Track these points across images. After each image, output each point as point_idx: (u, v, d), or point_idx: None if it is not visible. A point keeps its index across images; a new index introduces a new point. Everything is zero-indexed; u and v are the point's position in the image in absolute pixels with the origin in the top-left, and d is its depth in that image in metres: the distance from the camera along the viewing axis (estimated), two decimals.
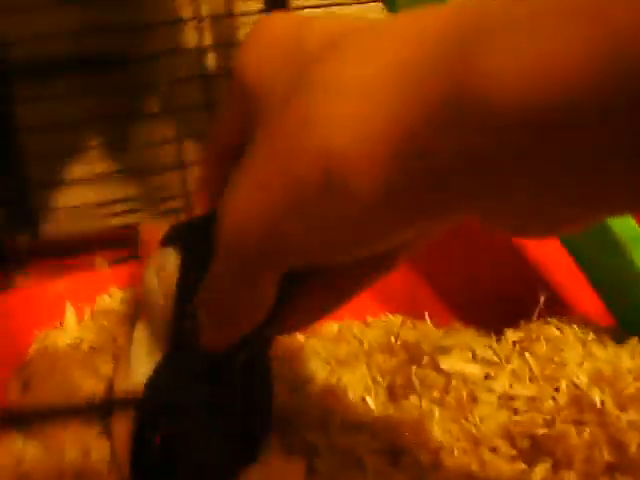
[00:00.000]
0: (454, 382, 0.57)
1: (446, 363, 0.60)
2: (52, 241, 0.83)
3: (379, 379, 0.60)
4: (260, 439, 0.49)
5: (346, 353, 0.65)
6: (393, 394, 0.59)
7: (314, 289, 0.40)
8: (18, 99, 0.84)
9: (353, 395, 0.58)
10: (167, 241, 0.46)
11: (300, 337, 0.68)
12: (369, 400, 0.58)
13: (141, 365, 0.47)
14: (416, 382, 0.58)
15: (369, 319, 0.73)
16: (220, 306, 0.38)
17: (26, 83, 0.84)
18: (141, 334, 0.48)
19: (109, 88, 0.89)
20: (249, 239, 0.32)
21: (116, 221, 0.83)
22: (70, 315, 0.68)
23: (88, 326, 0.68)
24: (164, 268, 0.45)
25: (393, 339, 0.67)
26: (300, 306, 0.41)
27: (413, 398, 0.57)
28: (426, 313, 0.71)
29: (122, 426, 0.47)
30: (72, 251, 0.80)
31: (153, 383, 0.45)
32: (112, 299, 0.73)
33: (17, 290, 0.76)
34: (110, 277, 0.75)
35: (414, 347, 0.64)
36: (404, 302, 0.73)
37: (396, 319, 0.72)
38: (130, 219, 0.88)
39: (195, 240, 0.42)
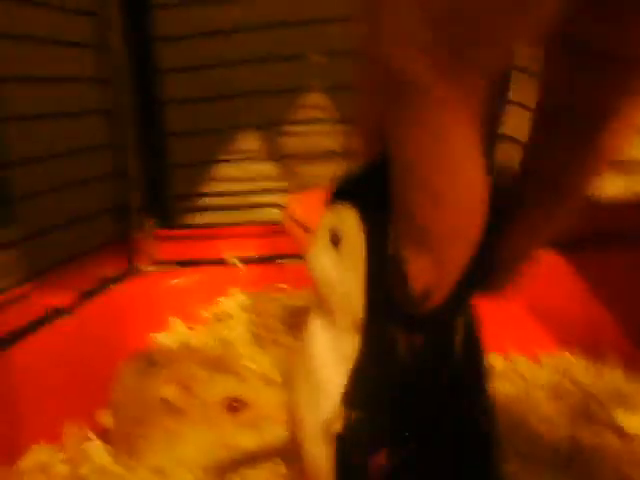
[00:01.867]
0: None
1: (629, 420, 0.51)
2: (184, 231, 0.81)
3: (541, 431, 0.52)
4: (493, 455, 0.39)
5: (507, 395, 0.57)
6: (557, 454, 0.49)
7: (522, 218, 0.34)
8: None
9: None
10: (335, 198, 0.36)
11: None
12: None
13: (333, 373, 0.37)
14: (583, 440, 0.48)
15: (540, 355, 0.63)
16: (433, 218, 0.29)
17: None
18: (321, 336, 0.39)
19: None
20: None
21: (255, 215, 0.80)
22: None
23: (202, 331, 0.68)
24: (342, 229, 0.35)
25: (566, 382, 0.58)
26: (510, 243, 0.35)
27: (577, 463, 0.46)
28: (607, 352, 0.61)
29: (322, 451, 0.38)
30: (203, 244, 0.78)
31: (356, 392, 0.37)
32: (234, 301, 0.72)
33: (141, 278, 0.75)
34: (238, 276, 0.74)
35: (588, 395, 0.54)
36: (582, 336, 0.63)
37: (572, 359, 0.62)
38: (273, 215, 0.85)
39: (369, 188, 0.33)
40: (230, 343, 0.65)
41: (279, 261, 0.73)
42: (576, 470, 0.45)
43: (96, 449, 0.49)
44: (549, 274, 0.65)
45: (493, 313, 0.66)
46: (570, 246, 0.65)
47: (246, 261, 0.74)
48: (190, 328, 0.70)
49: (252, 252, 0.74)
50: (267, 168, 0.93)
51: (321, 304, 0.38)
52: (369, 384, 0.36)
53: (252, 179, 0.92)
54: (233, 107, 0.91)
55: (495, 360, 0.63)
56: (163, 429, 0.46)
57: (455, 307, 0.35)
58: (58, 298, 0.59)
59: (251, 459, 0.47)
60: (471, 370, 0.38)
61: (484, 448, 0.38)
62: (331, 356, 0.38)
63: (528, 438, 0.49)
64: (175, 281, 0.74)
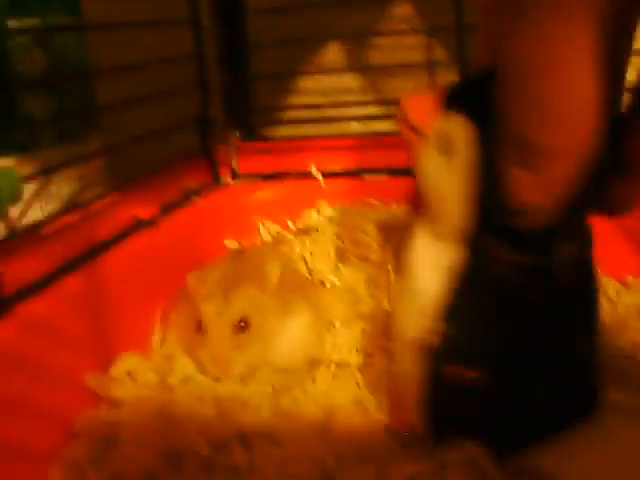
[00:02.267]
0: None
1: None
2: (268, 144, 0.80)
3: (632, 354, 0.49)
4: (596, 385, 0.39)
5: None
6: None
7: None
8: None
9: None
10: (449, 104, 0.35)
11: None
12: None
13: (431, 284, 0.37)
14: None
15: (630, 279, 0.61)
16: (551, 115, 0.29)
17: None
18: (423, 241, 0.38)
19: None
20: None
21: (338, 129, 0.77)
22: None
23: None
24: (453, 137, 0.34)
25: None
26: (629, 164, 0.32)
27: None
28: None
29: (414, 361, 0.39)
30: (287, 157, 0.76)
31: (452, 305, 0.36)
32: (320, 215, 0.71)
33: (224, 190, 0.75)
34: (322, 190, 0.72)
35: None
36: None
37: None
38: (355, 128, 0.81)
39: (481, 99, 0.32)
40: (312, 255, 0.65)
41: (364, 175, 0.71)
42: None
43: (180, 359, 0.50)
44: None
45: None
46: None
47: (330, 175, 0.72)
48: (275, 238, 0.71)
49: (336, 166, 0.73)
50: (351, 81, 0.91)
51: (427, 212, 0.38)
52: (466, 298, 0.36)
53: (336, 91, 0.90)
54: (318, 18, 0.88)
55: None
56: None
57: (562, 230, 0.34)
58: (142, 210, 0.59)
59: None
60: (575, 295, 0.37)
61: (581, 372, 0.38)
62: (430, 265, 0.38)
63: (617, 362, 0.47)
64: (259, 194, 0.74)
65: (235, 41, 0.77)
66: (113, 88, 0.82)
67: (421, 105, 0.38)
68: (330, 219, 0.69)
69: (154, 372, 0.49)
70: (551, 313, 0.36)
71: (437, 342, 0.37)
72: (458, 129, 0.34)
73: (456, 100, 0.35)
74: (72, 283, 0.49)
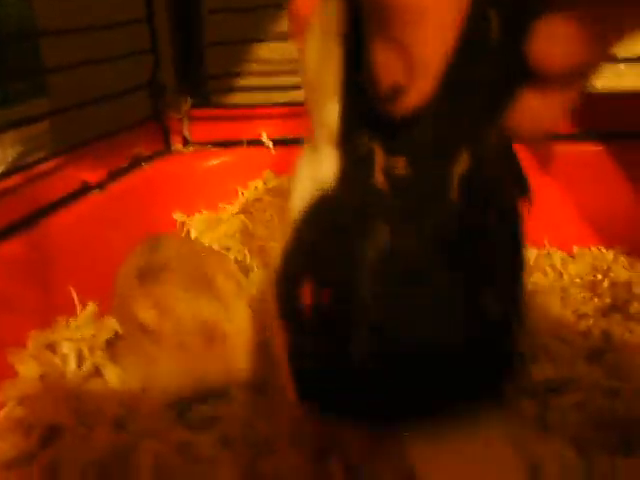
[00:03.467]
0: None
1: None
2: (220, 110, 0.78)
3: (571, 319, 0.51)
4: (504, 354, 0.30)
5: (539, 284, 0.56)
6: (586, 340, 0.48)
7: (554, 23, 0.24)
8: None
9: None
10: None
11: None
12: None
13: (301, 199, 0.29)
14: (615, 335, 0.47)
15: (575, 250, 0.62)
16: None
17: None
18: (304, 157, 0.31)
19: None
20: None
21: (291, 97, 0.74)
22: None
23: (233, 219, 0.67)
24: (324, 14, 0.27)
25: (600, 276, 0.57)
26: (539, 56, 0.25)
27: (609, 356, 0.45)
28: None
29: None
30: (238, 124, 0.75)
31: (311, 215, 0.29)
32: (266, 186, 0.71)
33: (174, 156, 0.74)
34: (272, 158, 0.72)
35: (623, 290, 0.53)
36: (623, 234, 0.61)
37: (608, 254, 0.60)
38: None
39: None
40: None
41: None
42: (607, 362, 0.44)
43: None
44: (591, 169, 0.62)
45: (531, 207, 0.64)
46: (617, 138, 0.63)
47: (281, 142, 0.72)
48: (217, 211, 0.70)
49: (288, 133, 0.72)
50: None
51: (309, 110, 0.31)
52: (330, 211, 0.29)
53: (290, 60, 0.89)
54: None
55: (530, 252, 0.61)
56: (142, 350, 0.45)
57: (447, 128, 0.27)
58: (90, 173, 0.58)
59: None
60: (480, 228, 0.28)
61: (481, 328, 0.29)
62: (306, 180, 0.30)
63: (559, 329, 0.48)
64: (209, 161, 0.73)
65: (188, 6, 0.76)
66: (61, 50, 0.80)
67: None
68: (273, 189, 0.69)
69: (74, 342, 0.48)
70: (441, 245, 0.28)
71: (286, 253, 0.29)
72: (331, 3, 0.27)
73: None
74: (14, 246, 0.48)
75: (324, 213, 0.28)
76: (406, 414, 0.30)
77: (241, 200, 0.70)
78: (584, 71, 0.26)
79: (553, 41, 0.24)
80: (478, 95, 0.26)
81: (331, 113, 0.28)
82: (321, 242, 0.29)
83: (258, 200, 0.67)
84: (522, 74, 0.26)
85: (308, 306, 0.28)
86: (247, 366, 0.44)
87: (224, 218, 0.68)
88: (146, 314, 0.44)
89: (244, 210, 0.67)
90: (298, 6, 0.31)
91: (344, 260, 0.28)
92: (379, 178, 0.27)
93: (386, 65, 0.24)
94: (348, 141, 0.28)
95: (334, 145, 0.28)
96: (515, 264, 0.30)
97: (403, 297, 0.28)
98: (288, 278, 0.29)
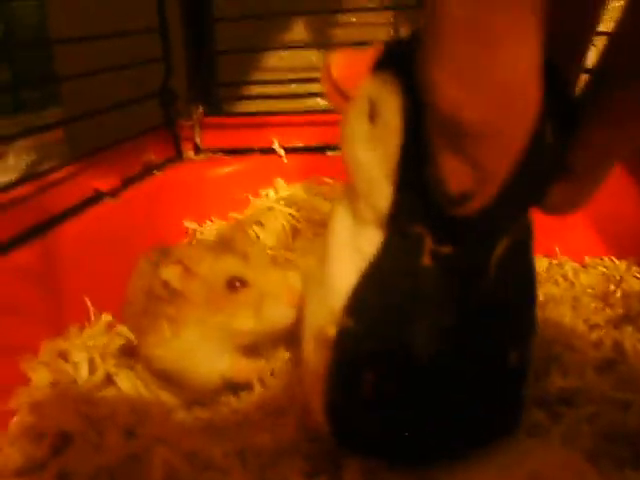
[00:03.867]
0: None
1: None
2: (231, 118, 0.79)
3: (582, 330, 0.50)
4: (521, 402, 0.35)
5: (550, 294, 0.56)
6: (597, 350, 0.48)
7: (593, 127, 0.29)
8: None
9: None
10: (381, 64, 0.30)
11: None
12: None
13: (345, 270, 0.32)
14: (628, 347, 0.47)
15: (587, 260, 0.62)
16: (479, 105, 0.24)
17: None
18: (343, 222, 0.34)
19: None
20: None
21: (302, 104, 0.76)
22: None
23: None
24: (380, 101, 0.29)
25: (612, 287, 0.56)
26: (579, 152, 0.29)
27: (620, 368, 0.45)
28: None
29: (318, 356, 0.34)
30: (250, 132, 0.76)
31: (363, 297, 0.32)
32: (277, 194, 0.71)
33: (186, 164, 0.74)
34: (284, 166, 0.72)
35: (636, 301, 0.53)
36: (635, 245, 0.60)
37: (621, 264, 0.60)
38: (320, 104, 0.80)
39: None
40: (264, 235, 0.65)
41: (329, 153, 0.71)
42: (617, 373, 0.44)
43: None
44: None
45: (542, 216, 0.64)
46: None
47: (293, 150, 0.72)
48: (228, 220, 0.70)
49: (299, 142, 0.72)
50: (316, 57, 0.91)
51: (349, 189, 0.34)
52: (380, 291, 0.31)
53: (301, 68, 0.89)
54: None
55: (541, 262, 0.61)
56: (166, 318, 0.45)
57: (497, 221, 0.30)
58: (102, 181, 0.59)
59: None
60: (509, 296, 0.33)
61: (506, 387, 0.34)
62: (347, 248, 0.33)
63: (570, 339, 0.48)
64: (221, 169, 0.73)
65: (200, 14, 0.76)
66: (75, 58, 0.81)
67: (350, 64, 0.32)
68: (285, 198, 0.69)
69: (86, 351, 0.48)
70: (477, 316, 0.32)
71: (341, 339, 0.32)
72: (387, 93, 0.29)
73: (390, 61, 0.30)
74: (27, 253, 0.48)
75: (380, 291, 0.31)
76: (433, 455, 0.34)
77: (251, 208, 0.70)
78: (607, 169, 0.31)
79: (589, 147, 0.29)
80: (525, 190, 0.29)
81: (383, 198, 0.30)
82: (379, 323, 0.32)
83: (270, 209, 0.68)
84: (560, 170, 0.29)
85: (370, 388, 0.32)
86: (273, 310, 0.44)
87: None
88: (170, 273, 0.44)
89: (254, 219, 0.67)
90: (335, 71, 0.32)
91: (398, 347, 0.31)
92: (427, 261, 0.30)
93: (456, 173, 0.26)
94: (396, 223, 0.30)
95: (379, 226, 0.31)
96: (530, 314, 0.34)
97: (447, 362, 0.32)
98: (348, 359, 0.32)
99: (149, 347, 0.45)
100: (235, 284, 0.43)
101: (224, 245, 0.46)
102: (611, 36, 0.27)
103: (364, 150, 0.31)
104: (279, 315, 0.44)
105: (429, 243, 0.30)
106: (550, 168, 0.29)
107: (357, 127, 0.31)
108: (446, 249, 0.30)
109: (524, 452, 0.35)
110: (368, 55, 0.31)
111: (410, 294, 0.31)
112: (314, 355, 0.35)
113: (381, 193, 0.30)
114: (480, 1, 0.22)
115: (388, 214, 0.30)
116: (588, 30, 0.29)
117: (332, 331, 0.32)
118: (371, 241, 0.32)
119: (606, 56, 0.28)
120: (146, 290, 0.47)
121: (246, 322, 0.44)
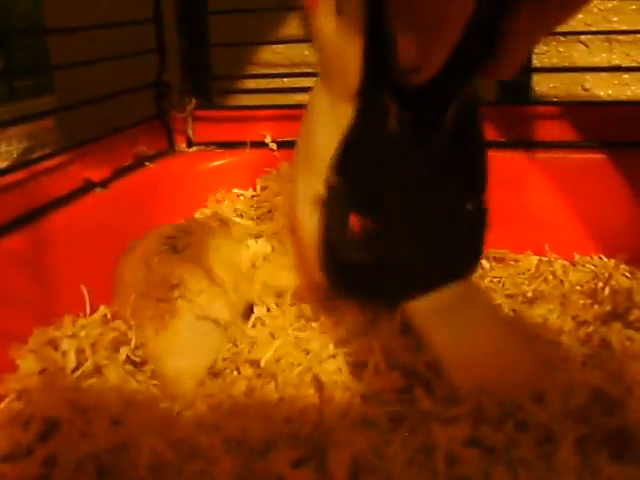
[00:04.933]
0: None
1: None
2: (224, 112, 0.78)
3: (570, 327, 0.51)
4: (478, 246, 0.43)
5: (539, 291, 0.56)
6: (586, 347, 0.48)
7: (519, 12, 0.35)
8: None
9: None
10: None
11: (485, 263, 0.60)
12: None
13: (327, 139, 0.40)
14: (615, 343, 0.47)
15: (576, 257, 0.62)
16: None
17: None
18: (321, 102, 0.41)
19: None
20: None
21: (295, 99, 0.75)
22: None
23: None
24: (346, 3, 0.37)
25: (600, 284, 0.57)
26: (507, 37, 0.36)
27: (608, 364, 0.44)
28: None
29: (313, 218, 0.42)
30: (243, 125, 0.75)
31: (344, 158, 0.39)
32: (279, 174, 0.70)
33: (178, 156, 0.74)
34: (275, 160, 0.71)
35: (624, 298, 0.53)
36: (624, 243, 0.61)
37: (609, 262, 0.60)
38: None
39: None
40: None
41: None
42: (605, 369, 0.44)
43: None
44: (594, 177, 0.63)
45: (533, 214, 0.64)
46: (620, 147, 0.63)
47: (286, 145, 0.71)
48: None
49: (292, 136, 0.71)
50: (309, 52, 0.90)
51: (324, 74, 0.41)
52: (357, 152, 0.39)
53: (294, 63, 0.89)
54: None
55: (531, 260, 0.62)
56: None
57: (445, 88, 0.37)
58: (93, 171, 0.58)
59: None
60: (462, 152, 0.41)
61: (466, 231, 0.42)
62: (327, 122, 0.41)
63: (559, 335, 0.48)
64: (213, 163, 0.73)
65: (195, 7, 0.76)
66: (69, 47, 0.80)
67: None
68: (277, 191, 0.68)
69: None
70: (438, 171, 0.40)
71: (330, 193, 0.40)
72: None
73: None
74: (16, 241, 0.48)
75: (358, 152, 0.39)
76: (412, 291, 0.41)
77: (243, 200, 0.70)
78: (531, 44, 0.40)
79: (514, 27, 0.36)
80: (463, 62, 0.36)
81: (354, 75, 0.37)
82: (359, 177, 0.39)
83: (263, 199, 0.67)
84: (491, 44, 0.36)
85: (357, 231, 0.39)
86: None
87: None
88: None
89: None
90: None
91: (378, 190, 0.39)
92: (393, 125, 0.38)
93: (408, 50, 0.33)
94: (366, 97, 0.37)
95: (351, 100, 0.38)
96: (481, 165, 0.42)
97: (417, 207, 0.40)
98: (337, 210, 0.40)
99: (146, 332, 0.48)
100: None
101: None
102: None
103: (334, 38, 0.38)
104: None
105: (394, 110, 0.38)
106: (484, 42, 0.36)
107: (326, 20, 0.38)
108: (408, 114, 0.38)
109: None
110: None
111: (382, 152, 0.39)
112: (309, 219, 0.42)
113: (352, 72, 0.37)
114: None
115: (358, 89, 0.38)
116: None
117: (322, 190, 0.40)
118: (346, 113, 0.39)
119: None
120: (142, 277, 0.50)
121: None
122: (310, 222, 0.42)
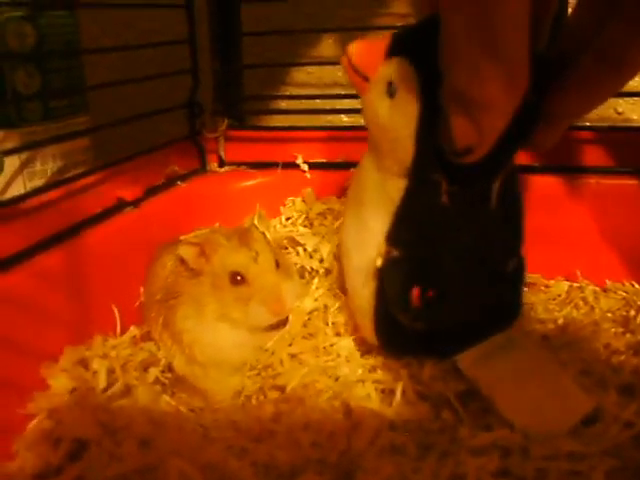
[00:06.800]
0: None
1: None
2: (256, 132, 0.78)
3: (602, 354, 0.50)
4: (519, 301, 0.46)
5: (570, 318, 0.56)
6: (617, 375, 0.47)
7: (583, 70, 0.37)
8: None
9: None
10: (394, 51, 0.40)
11: None
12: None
13: (379, 213, 0.42)
14: None
15: (608, 284, 0.62)
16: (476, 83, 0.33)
17: None
18: (372, 177, 0.43)
19: None
20: None
21: (327, 121, 0.76)
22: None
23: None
24: (399, 81, 0.38)
25: (633, 312, 0.56)
26: (567, 93, 0.38)
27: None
28: None
29: (367, 287, 0.44)
30: (275, 146, 0.76)
31: (400, 230, 0.41)
32: (306, 202, 0.71)
33: (210, 176, 0.74)
34: (308, 181, 0.72)
35: None
36: None
37: None
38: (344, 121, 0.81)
39: (425, 45, 0.36)
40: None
41: (351, 168, 0.71)
42: (637, 401, 0.43)
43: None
44: (627, 203, 0.62)
45: (564, 239, 0.63)
46: None
47: (317, 166, 0.72)
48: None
49: (323, 157, 0.73)
50: (342, 74, 0.90)
51: (372, 150, 0.43)
52: (412, 224, 0.41)
53: (327, 84, 0.90)
54: (314, 10, 0.88)
55: (562, 285, 0.61)
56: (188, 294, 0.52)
57: (493, 165, 0.39)
58: (126, 191, 0.59)
59: None
60: (506, 217, 0.43)
61: (508, 288, 0.45)
62: (378, 197, 0.42)
63: (590, 361, 0.48)
64: (244, 183, 0.73)
65: (228, 28, 0.77)
66: (103, 68, 0.82)
67: (368, 50, 0.41)
68: (307, 210, 0.69)
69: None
70: (485, 234, 0.42)
71: (388, 264, 0.42)
72: (404, 73, 0.38)
73: (400, 46, 0.39)
74: (50, 259, 0.49)
75: (412, 224, 0.41)
76: (462, 347, 0.44)
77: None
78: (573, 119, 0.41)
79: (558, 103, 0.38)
80: (513, 141, 0.38)
81: (407, 154, 0.39)
82: (416, 249, 0.41)
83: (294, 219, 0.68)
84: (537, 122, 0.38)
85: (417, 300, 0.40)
86: (256, 311, 0.50)
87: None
88: (187, 251, 0.51)
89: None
90: (354, 58, 0.41)
91: (436, 260, 0.41)
92: (444, 200, 0.40)
93: (462, 132, 0.34)
94: (418, 174, 0.40)
95: (405, 176, 0.40)
96: (520, 230, 0.44)
97: (471, 272, 0.42)
98: (397, 281, 0.41)
99: (178, 322, 0.51)
100: (237, 278, 0.51)
101: (241, 238, 0.52)
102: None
103: (388, 120, 0.39)
104: (260, 317, 0.50)
105: (445, 186, 0.40)
106: (530, 121, 0.38)
107: (379, 102, 0.40)
108: (458, 189, 0.40)
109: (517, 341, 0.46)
110: (382, 43, 0.40)
111: (435, 225, 0.41)
112: (362, 288, 0.44)
113: (405, 150, 0.39)
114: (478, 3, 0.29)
115: (411, 166, 0.39)
116: None
117: (379, 262, 0.42)
118: (398, 188, 0.41)
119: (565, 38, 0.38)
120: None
121: (234, 313, 0.51)
122: (363, 291, 0.44)
